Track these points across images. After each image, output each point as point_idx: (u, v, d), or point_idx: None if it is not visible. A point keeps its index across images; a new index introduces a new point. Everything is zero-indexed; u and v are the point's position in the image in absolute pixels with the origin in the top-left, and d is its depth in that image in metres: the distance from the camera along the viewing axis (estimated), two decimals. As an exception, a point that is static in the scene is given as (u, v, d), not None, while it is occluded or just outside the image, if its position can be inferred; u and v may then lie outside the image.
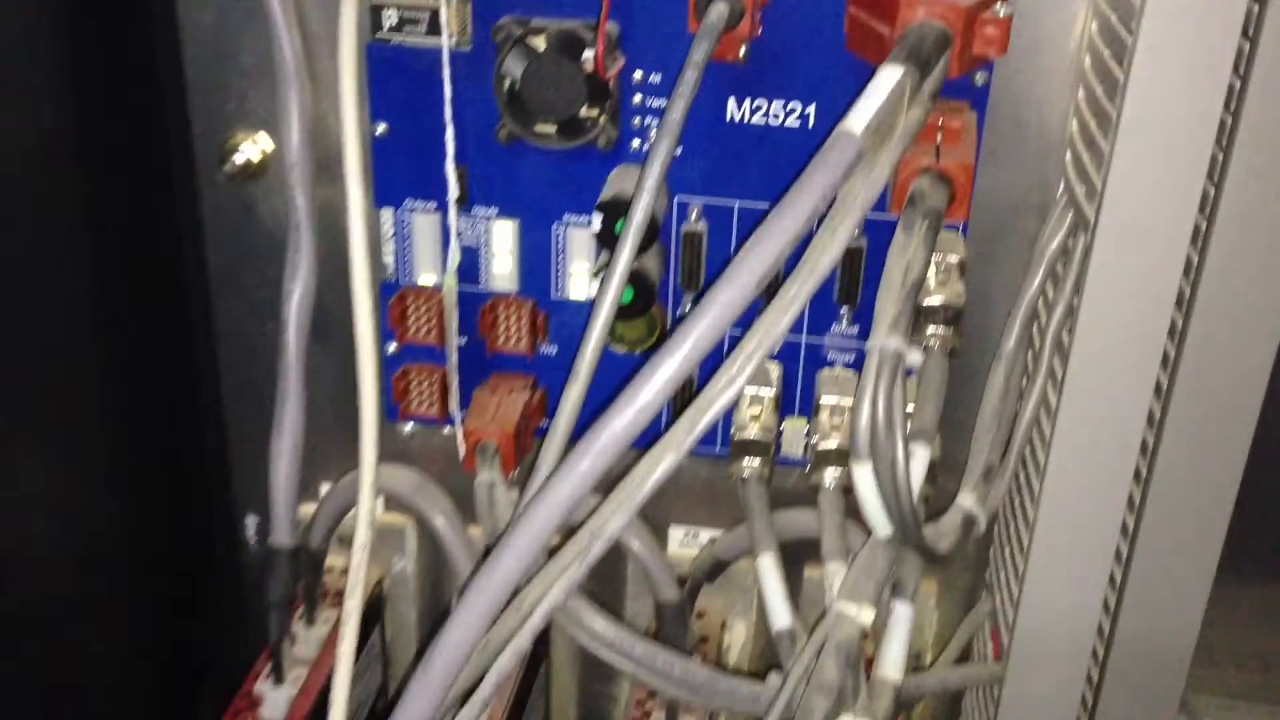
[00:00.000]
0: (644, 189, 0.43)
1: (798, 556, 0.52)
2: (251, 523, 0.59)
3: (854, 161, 0.37)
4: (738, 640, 0.56)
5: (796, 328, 0.51)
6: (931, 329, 0.45)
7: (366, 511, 0.45)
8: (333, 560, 0.56)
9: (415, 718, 0.37)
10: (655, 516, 0.56)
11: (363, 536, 0.45)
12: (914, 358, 0.40)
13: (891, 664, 0.44)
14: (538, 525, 0.36)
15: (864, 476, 0.39)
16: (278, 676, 0.51)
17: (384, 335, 0.53)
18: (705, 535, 0.55)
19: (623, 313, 0.49)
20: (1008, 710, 0.49)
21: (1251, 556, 0.57)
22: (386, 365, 0.54)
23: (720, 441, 0.54)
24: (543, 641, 0.58)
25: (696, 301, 0.51)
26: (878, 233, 0.49)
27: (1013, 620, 0.48)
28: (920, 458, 0.43)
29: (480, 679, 0.39)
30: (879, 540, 0.42)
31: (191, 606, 0.60)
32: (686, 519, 0.56)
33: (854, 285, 0.50)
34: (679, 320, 0.52)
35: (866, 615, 0.41)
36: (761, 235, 0.36)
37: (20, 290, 0.48)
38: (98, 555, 0.54)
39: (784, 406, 0.52)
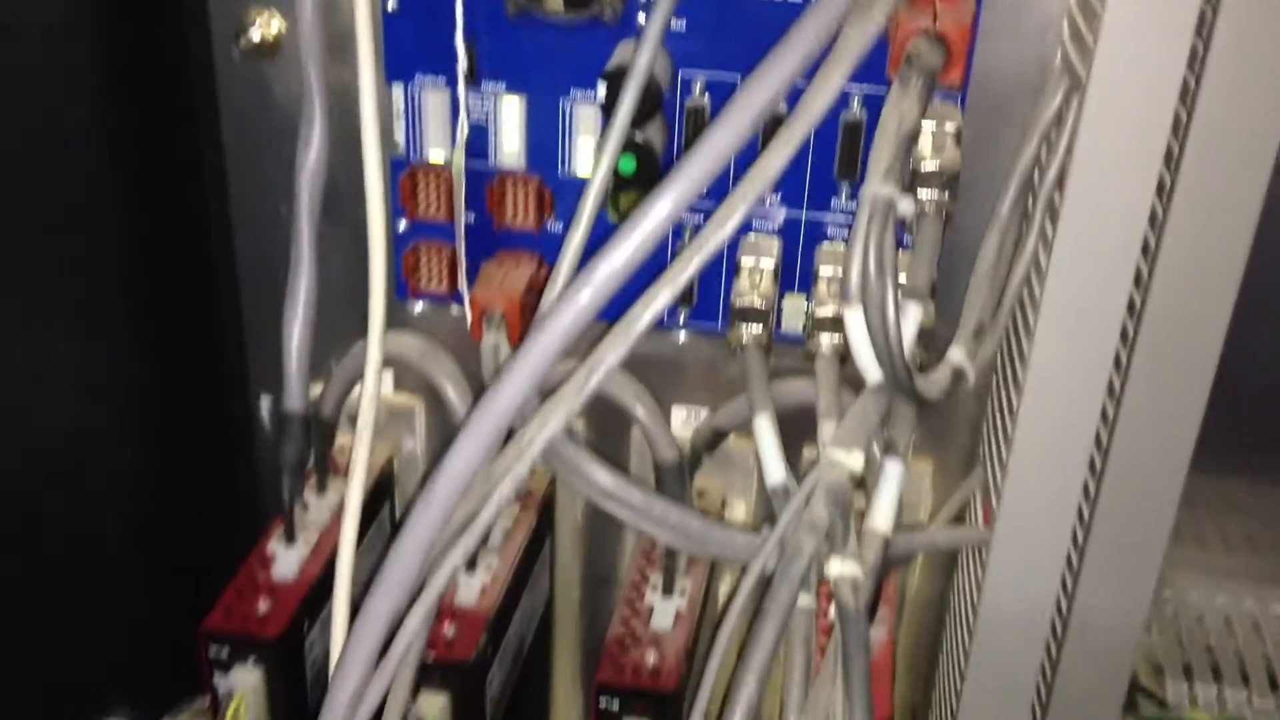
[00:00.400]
0: (643, 47, 0.44)
1: (797, 438, 0.54)
2: (265, 403, 0.61)
3: (849, 5, 0.38)
4: (737, 519, 0.58)
5: (795, 202, 0.52)
6: (926, 193, 0.46)
7: (375, 363, 0.47)
8: (346, 439, 0.57)
9: (417, 539, 0.38)
10: (657, 397, 0.57)
11: (371, 387, 0.47)
12: (905, 206, 0.41)
13: (881, 516, 0.45)
14: (540, 351, 0.38)
15: (855, 320, 0.41)
16: (290, 537, 0.53)
17: (394, 212, 0.55)
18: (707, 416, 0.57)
19: (626, 184, 0.50)
20: (995, 572, 0.51)
21: (1240, 443, 0.58)
22: (397, 242, 0.56)
23: (721, 320, 0.55)
24: (547, 519, 0.59)
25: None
26: (877, 108, 0.50)
27: (1002, 483, 0.49)
28: (913, 315, 0.44)
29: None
30: (871, 391, 0.44)
31: (205, 487, 0.62)
32: (689, 400, 0.58)
33: (854, 160, 0.51)
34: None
35: (856, 459, 0.43)
36: (758, 75, 0.38)
37: (37, 168, 0.49)
38: (112, 431, 0.56)
39: (784, 282, 0.53)
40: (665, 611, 0.52)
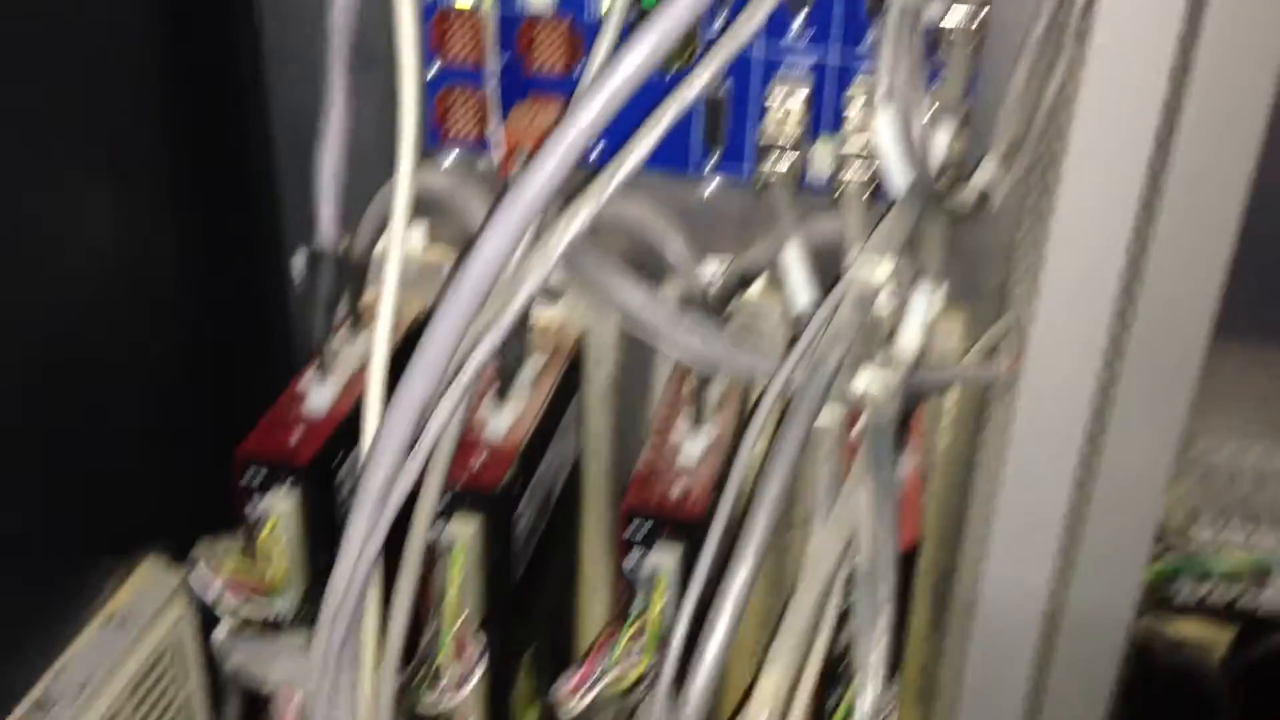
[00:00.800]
0: None
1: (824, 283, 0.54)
2: (299, 258, 0.61)
3: None
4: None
5: (823, 39, 0.52)
6: (958, 16, 0.46)
7: (406, 175, 0.47)
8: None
9: (448, 327, 0.39)
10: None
11: (400, 215, 0.47)
12: (933, 10, 0.41)
13: (910, 335, 0.45)
14: (566, 146, 0.38)
15: (885, 121, 0.41)
16: (322, 374, 0.54)
17: (425, 57, 0.55)
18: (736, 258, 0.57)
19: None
20: (1022, 415, 0.51)
21: (1270, 304, 0.58)
22: (428, 89, 0.56)
23: (749, 166, 0.55)
24: (575, 374, 0.60)
25: (731, 18, 0.53)
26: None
27: (1030, 322, 0.49)
28: (943, 127, 0.44)
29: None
30: (899, 204, 0.44)
31: (237, 341, 0.63)
32: (721, 249, 0.58)
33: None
34: (710, 42, 0.53)
35: (884, 269, 0.43)
36: None
37: (69, 16, 0.50)
38: (144, 277, 0.57)
39: (813, 127, 0.53)
40: (695, 444, 0.52)
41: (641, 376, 0.63)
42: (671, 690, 0.40)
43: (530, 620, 0.55)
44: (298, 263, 0.61)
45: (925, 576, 0.64)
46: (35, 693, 0.51)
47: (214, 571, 0.49)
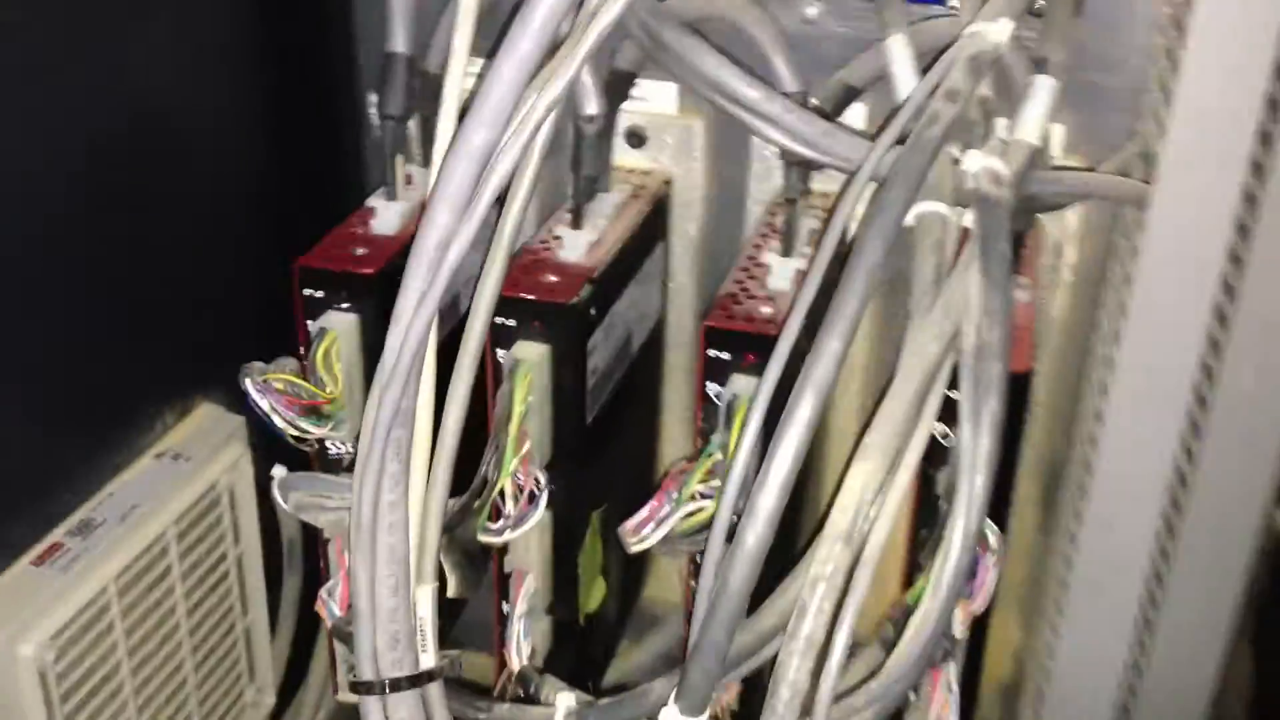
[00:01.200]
0: None
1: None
2: (373, 100, 0.59)
3: None
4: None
5: None
6: None
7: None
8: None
9: (516, 64, 0.35)
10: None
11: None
12: None
13: (1029, 126, 0.41)
14: None
15: None
16: (391, 192, 0.51)
17: None
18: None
19: None
20: (1154, 231, 0.45)
21: None
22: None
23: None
24: (660, 221, 0.56)
25: None
26: None
27: (1164, 137, 0.44)
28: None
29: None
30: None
31: (312, 183, 0.60)
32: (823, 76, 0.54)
33: None
34: None
35: (1002, 30, 0.38)
36: None
37: None
38: (213, 109, 0.55)
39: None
40: (784, 272, 0.48)
41: (730, 233, 0.59)
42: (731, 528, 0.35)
43: (600, 471, 0.51)
44: (372, 102, 0.59)
45: (1032, 475, 0.59)
46: (81, 513, 0.49)
47: (266, 382, 0.46)
